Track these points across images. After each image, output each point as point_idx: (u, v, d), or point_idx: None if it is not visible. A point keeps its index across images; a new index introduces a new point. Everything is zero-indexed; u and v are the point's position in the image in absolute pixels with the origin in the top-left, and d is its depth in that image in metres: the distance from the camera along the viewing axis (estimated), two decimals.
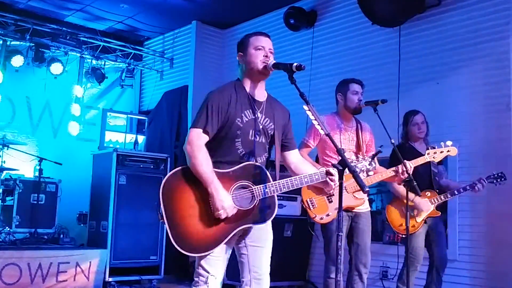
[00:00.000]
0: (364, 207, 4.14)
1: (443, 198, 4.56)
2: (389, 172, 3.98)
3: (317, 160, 4.26)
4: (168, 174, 2.75)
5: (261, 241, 2.89)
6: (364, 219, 4.12)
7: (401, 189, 4.39)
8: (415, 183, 4.10)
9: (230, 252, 2.86)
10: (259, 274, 2.86)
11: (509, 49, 5.15)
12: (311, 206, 4.02)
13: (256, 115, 2.86)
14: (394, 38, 6.07)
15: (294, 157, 3.06)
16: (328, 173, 2.78)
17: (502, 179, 4.53)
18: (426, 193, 4.52)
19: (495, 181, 4.55)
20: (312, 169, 2.94)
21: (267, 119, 2.91)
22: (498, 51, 5.26)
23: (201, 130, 2.74)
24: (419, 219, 4.51)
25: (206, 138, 2.75)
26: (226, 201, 2.67)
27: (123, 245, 6.21)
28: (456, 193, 4.58)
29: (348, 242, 4.16)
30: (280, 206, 6.07)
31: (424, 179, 4.53)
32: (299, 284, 6.42)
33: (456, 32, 5.62)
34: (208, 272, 2.75)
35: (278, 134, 2.93)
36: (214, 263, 2.76)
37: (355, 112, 4.15)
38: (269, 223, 2.90)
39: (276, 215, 6.17)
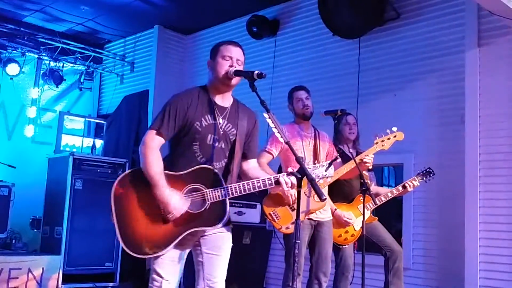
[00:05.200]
0: (326, 216, 4.17)
1: (378, 202, 4.46)
2: (351, 164, 4.07)
3: (279, 171, 4.27)
4: (121, 175, 2.79)
5: (217, 249, 2.86)
6: (326, 227, 4.14)
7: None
8: (371, 192, 4.18)
9: (185, 257, 2.84)
10: (213, 283, 2.83)
11: (463, 63, 5.29)
12: (275, 218, 4.00)
13: (218, 121, 2.85)
14: (354, 49, 6.17)
15: (250, 164, 3.03)
16: (277, 182, 2.76)
17: (431, 175, 4.62)
18: (361, 199, 4.32)
19: (424, 178, 4.61)
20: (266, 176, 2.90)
21: (229, 124, 2.89)
22: (453, 64, 5.40)
23: (155, 132, 2.77)
24: (358, 228, 4.41)
25: (160, 140, 2.77)
26: (172, 203, 2.67)
27: (77, 251, 6.08)
28: (390, 195, 4.54)
29: (310, 250, 4.17)
30: (239, 213, 6.10)
31: (356, 185, 4.47)
32: None
33: (413, 45, 5.75)
34: (161, 277, 2.75)
35: (239, 140, 2.91)
36: (167, 267, 2.75)
37: (305, 118, 4.18)
38: (226, 230, 2.88)
39: (235, 222, 6.12)
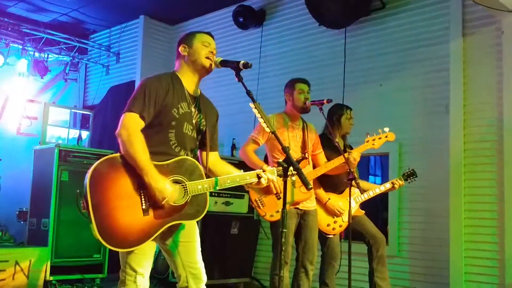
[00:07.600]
0: (311, 205, 4.21)
1: (366, 197, 4.55)
2: (337, 161, 4.12)
3: (265, 159, 4.29)
4: (98, 162, 2.55)
5: (190, 236, 2.82)
6: (312, 216, 4.18)
7: (319, 191, 4.40)
8: (358, 182, 4.22)
9: (155, 249, 2.76)
10: (195, 269, 2.80)
11: (448, 53, 5.35)
12: (260, 205, 4.05)
13: (191, 109, 2.82)
14: (340, 39, 6.19)
15: (213, 157, 2.97)
16: (258, 177, 2.79)
17: (414, 177, 4.71)
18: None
19: (408, 179, 4.70)
20: (233, 169, 2.91)
21: (200, 115, 2.88)
22: (438, 54, 5.46)
23: (137, 115, 2.62)
24: (346, 218, 4.41)
25: (142, 124, 2.64)
26: (166, 190, 2.55)
27: (65, 243, 6.04)
28: (378, 191, 4.60)
29: (296, 239, 4.20)
30: (227, 203, 6.11)
31: (344, 176, 4.37)
32: (245, 281, 6.44)
33: (399, 35, 5.79)
34: (135, 271, 2.65)
35: (208, 131, 2.91)
36: (141, 261, 2.66)
37: (302, 111, 4.20)
38: None
39: (223, 212, 6.12)
